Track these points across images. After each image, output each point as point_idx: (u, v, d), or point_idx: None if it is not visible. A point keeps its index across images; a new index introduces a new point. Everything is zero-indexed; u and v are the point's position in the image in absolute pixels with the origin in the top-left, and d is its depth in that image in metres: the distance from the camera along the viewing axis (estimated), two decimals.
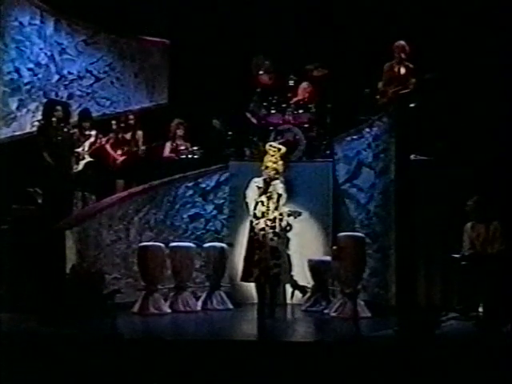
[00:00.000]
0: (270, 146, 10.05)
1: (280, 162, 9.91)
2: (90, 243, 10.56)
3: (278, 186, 9.84)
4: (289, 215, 9.80)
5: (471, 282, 9.32)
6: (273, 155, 9.89)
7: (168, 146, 12.20)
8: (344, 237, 10.14)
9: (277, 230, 9.69)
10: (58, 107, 11.23)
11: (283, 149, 10.03)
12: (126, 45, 12.95)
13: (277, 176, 9.87)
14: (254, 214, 9.77)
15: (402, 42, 11.13)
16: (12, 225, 10.35)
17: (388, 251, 10.23)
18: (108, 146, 12.00)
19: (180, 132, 12.19)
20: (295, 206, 10.43)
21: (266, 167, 9.87)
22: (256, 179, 9.92)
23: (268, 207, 9.74)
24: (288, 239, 9.85)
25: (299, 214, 9.97)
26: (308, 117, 11.81)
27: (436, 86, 10.58)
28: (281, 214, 9.75)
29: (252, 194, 9.88)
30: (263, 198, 9.78)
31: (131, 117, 12.32)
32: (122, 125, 12.21)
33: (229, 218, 11.55)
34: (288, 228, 9.82)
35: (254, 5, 12.50)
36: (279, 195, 9.79)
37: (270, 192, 9.79)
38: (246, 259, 9.74)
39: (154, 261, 10.32)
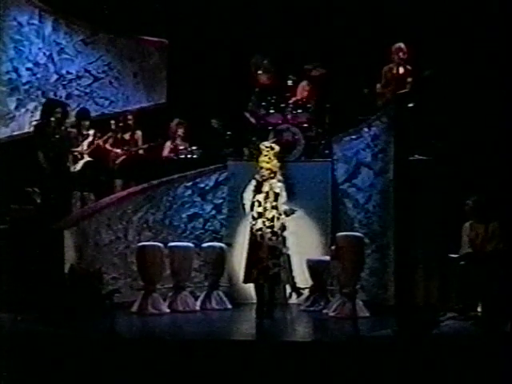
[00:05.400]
0: (263, 145, 10.04)
1: (274, 162, 9.88)
2: (88, 243, 10.58)
3: (276, 185, 9.82)
4: (285, 214, 9.80)
5: (470, 281, 9.32)
6: (266, 155, 9.87)
7: (168, 145, 12.19)
8: (343, 236, 10.15)
9: (275, 229, 9.69)
10: (58, 109, 11.23)
11: (276, 148, 10.01)
12: (125, 44, 12.94)
13: (272, 175, 9.85)
14: (252, 215, 9.78)
15: (401, 44, 11.13)
16: (11, 225, 10.35)
17: (387, 251, 10.23)
18: (108, 146, 12.00)
19: (180, 132, 12.19)
20: (294, 205, 10.39)
21: (261, 167, 9.87)
22: (253, 181, 9.93)
23: (265, 207, 9.73)
24: (284, 238, 9.84)
25: (293, 212, 9.96)
26: (307, 116, 11.80)
27: (434, 84, 10.59)
28: (279, 213, 9.75)
29: (248, 195, 9.88)
30: (259, 198, 9.77)
31: (129, 117, 12.32)
32: (121, 124, 12.20)
33: (227, 217, 11.54)
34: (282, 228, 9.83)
35: (252, 4, 12.50)
36: (277, 194, 9.78)
37: (267, 191, 9.78)
38: (247, 261, 9.74)
39: (152, 260, 10.32)
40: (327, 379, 7.29)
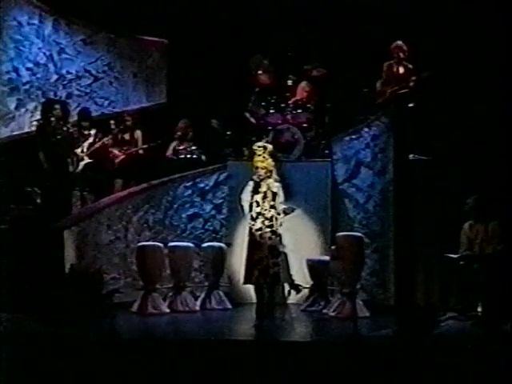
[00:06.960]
0: (256, 145, 10.05)
1: (269, 160, 9.89)
2: (88, 243, 10.58)
3: (273, 185, 9.83)
4: (284, 213, 9.81)
5: (470, 281, 9.32)
6: (260, 155, 9.89)
7: (172, 146, 12.18)
8: (343, 236, 10.15)
9: (274, 228, 9.69)
10: (57, 106, 11.26)
11: (269, 147, 10.02)
12: (125, 44, 12.94)
13: (268, 174, 9.85)
14: (251, 215, 9.78)
15: (400, 42, 11.14)
16: (10, 225, 10.35)
17: (387, 251, 10.24)
18: (108, 147, 11.98)
19: (190, 133, 12.17)
20: (294, 205, 10.43)
21: (256, 168, 9.88)
22: (250, 182, 9.93)
23: (263, 207, 9.73)
24: (280, 236, 9.83)
25: (292, 210, 9.99)
26: (307, 116, 11.80)
27: (434, 84, 10.59)
28: (278, 213, 9.75)
29: (246, 196, 9.89)
30: (257, 199, 9.78)
31: (129, 117, 12.30)
32: (121, 125, 12.19)
33: (227, 217, 11.55)
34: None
35: (252, 4, 12.49)
36: (274, 193, 9.79)
37: (265, 191, 9.79)
38: (247, 262, 9.74)
39: (152, 260, 10.32)
40: (327, 379, 7.29)
